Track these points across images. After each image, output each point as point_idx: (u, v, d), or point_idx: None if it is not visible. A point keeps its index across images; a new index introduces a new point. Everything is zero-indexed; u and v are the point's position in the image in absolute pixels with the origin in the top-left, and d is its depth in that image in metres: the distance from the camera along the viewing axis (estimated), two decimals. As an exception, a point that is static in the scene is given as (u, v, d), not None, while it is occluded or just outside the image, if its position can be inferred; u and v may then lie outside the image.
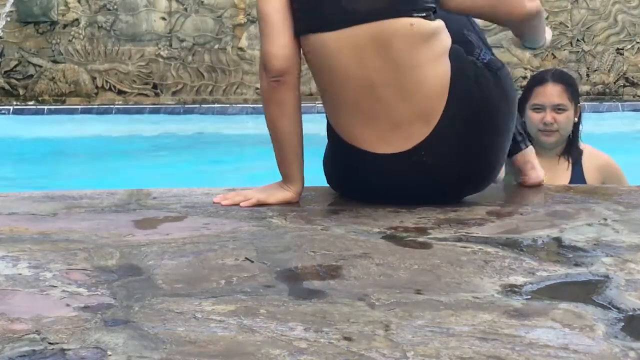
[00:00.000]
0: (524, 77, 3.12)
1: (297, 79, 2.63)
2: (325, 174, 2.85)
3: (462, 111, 2.57)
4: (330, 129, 2.74)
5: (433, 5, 2.57)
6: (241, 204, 2.63)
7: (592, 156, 3.56)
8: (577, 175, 3.52)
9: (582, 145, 3.56)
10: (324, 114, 2.78)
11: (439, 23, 2.58)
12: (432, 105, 2.56)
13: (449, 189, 2.65)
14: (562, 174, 3.53)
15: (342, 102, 2.62)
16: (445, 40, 2.60)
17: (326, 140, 2.82)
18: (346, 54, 2.55)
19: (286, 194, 2.67)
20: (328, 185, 2.86)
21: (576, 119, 3.51)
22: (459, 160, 2.60)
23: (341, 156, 2.71)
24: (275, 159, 2.69)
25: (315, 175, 2.91)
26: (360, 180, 2.66)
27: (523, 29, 2.77)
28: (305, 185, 2.72)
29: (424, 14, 2.54)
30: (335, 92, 2.63)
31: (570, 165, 3.54)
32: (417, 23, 2.52)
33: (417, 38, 2.53)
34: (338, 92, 2.62)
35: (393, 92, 2.55)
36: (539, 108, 3.45)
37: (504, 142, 2.70)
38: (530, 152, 2.92)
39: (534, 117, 3.48)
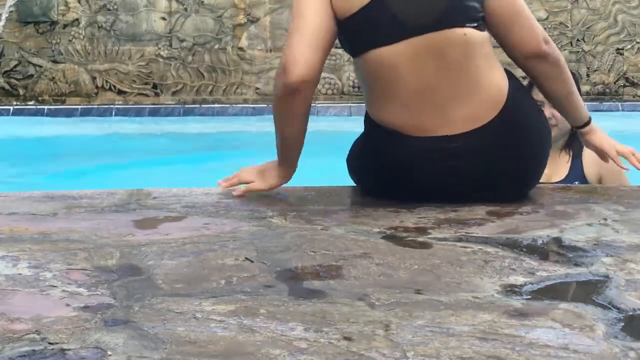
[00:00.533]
0: (524, 78, 3.18)
1: (313, 91, 2.64)
2: (354, 169, 2.84)
3: (514, 118, 2.64)
4: (369, 120, 2.74)
5: (482, 14, 2.63)
6: (234, 193, 2.72)
7: (590, 152, 3.56)
8: (577, 168, 3.55)
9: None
10: (323, 115, 2.79)
11: (487, 34, 2.66)
12: (486, 109, 2.62)
13: (480, 189, 2.65)
14: (562, 166, 3.56)
15: (392, 102, 2.64)
16: (495, 57, 2.68)
17: (326, 138, 2.82)
18: (403, 65, 2.58)
19: (281, 180, 2.74)
20: (353, 180, 2.86)
21: None
22: (498, 158, 2.64)
23: (376, 141, 2.71)
24: (275, 143, 2.73)
25: (315, 176, 2.91)
26: (398, 167, 2.65)
27: (547, 82, 2.73)
28: (304, 185, 2.72)
29: (475, 24, 2.61)
30: (387, 95, 2.65)
31: (571, 158, 3.57)
32: (470, 32, 2.60)
33: (470, 47, 2.60)
34: (390, 96, 2.64)
35: (448, 97, 2.60)
36: (539, 104, 3.47)
37: (545, 150, 2.77)
38: None
39: None
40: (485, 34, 2.64)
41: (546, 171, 3.41)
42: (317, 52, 2.57)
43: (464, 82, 2.60)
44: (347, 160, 2.86)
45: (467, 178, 2.62)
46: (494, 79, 2.64)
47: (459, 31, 2.58)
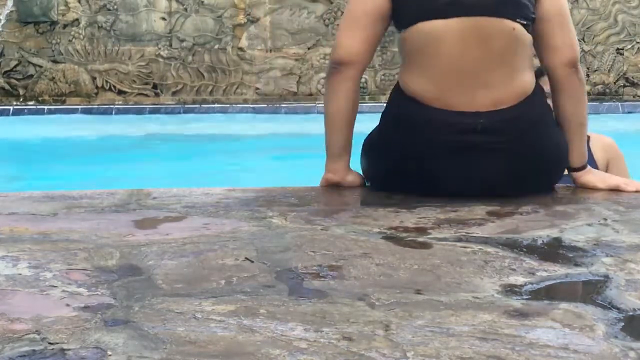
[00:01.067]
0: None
1: (355, 73, 2.81)
2: (369, 149, 2.91)
3: (535, 109, 2.79)
4: (398, 90, 2.84)
5: (533, 16, 2.76)
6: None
7: (597, 139, 3.75)
8: (588, 157, 3.62)
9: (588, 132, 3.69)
10: (323, 114, 2.83)
11: (531, 38, 2.78)
12: (511, 97, 2.75)
13: (492, 168, 2.72)
14: None
15: (426, 76, 2.76)
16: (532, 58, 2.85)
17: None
18: (448, 42, 2.71)
19: (328, 177, 2.87)
20: (363, 166, 2.94)
21: None
22: (515, 139, 2.74)
23: (400, 109, 2.82)
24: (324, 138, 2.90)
25: (315, 176, 2.91)
26: (418, 137, 2.75)
27: (568, 100, 2.85)
28: (304, 185, 2.72)
29: (525, 22, 2.74)
30: (422, 69, 2.77)
31: None
32: (518, 29, 2.74)
33: (515, 42, 2.74)
34: (426, 70, 2.76)
35: (481, 82, 2.73)
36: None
37: (558, 157, 2.87)
38: None
39: None
40: (529, 37, 2.76)
41: None
42: (359, 40, 2.78)
43: (498, 72, 2.73)
44: (364, 145, 2.93)
45: (482, 154, 2.71)
46: (525, 77, 2.78)
47: (508, 23, 2.72)
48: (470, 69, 2.72)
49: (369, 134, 2.93)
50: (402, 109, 2.81)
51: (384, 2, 2.78)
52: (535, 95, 2.80)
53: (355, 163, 2.94)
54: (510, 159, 2.73)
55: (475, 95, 2.72)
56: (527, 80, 2.78)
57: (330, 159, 2.88)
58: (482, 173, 2.72)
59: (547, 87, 3.19)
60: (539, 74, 3.81)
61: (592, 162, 3.53)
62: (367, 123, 2.96)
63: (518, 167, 2.75)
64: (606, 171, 3.71)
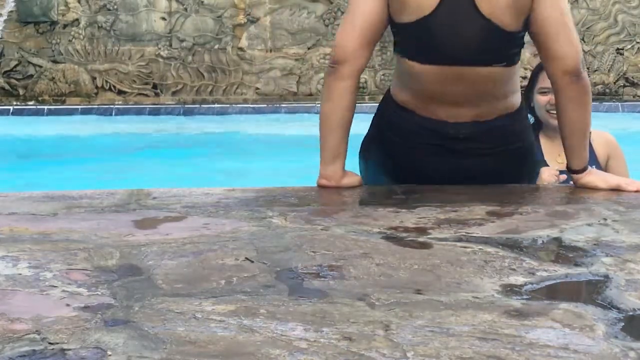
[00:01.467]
0: (524, 77, 3.33)
1: (350, 72, 2.81)
2: (367, 150, 2.99)
3: (514, 125, 2.88)
4: (389, 95, 2.95)
5: (515, 55, 2.80)
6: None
7: (598, 135, 3.83)
8: (589, 151, 3.64)
9: None
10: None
11: (517, 66, 2.84)
12: (493, 113, 2.84)
13: (470, 168, 2.85)
14: None
15: (413, 94, 2.86)
16: (518, 80, 2.91)
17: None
18: (431, 80, 2.79)
19: (322, 183, 2.86)
20: (361, 157, 3.02)
21: None
22: (490, 146, 2.86)
23: (390, 115, 2.92)
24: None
25: (315, 175, 2.91)
26: (406, 137, 2.88)
27: (571, 107, 2.83)
28: (304, 184, 2.72)
29: (504, 64, 2.78)
30: (410, 88, 2.87)
31: None
32: (499, 70, 2.79)
33: (497, 81, 2.81)
34: (413, 90, 2.86)
35: (466, 106, 2.82)
36: (545, 91, 3.70)
37: (527, 167, 3.00)
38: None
39: (541, 100, 3.81)
40: (514, 68, 2.82)
41: (559, 160, 3.56)
42: (356, 41, 2.79)
43: (484, 102, 2.83)
44: (360, 148, 3.00)
45: (464, 157, 2.83)
46: (508, 100, 2.85)
47: (488, 69, 2.77)
48: (453, 99, 2.80)
49: (363, 139, 2.99)
50: (393, 114, 2.91)
51: (382, 8, 2.78)
52: (518, 112, 2.89)
53: (354, 164, 2.95)
54: (489, 162, 2.85)
55: (460, 113, 2.82)
56: (511, 101, 2.86)
57: (323, 164, 2.86)
58: (466, 173, 2.84)
59: (546, 83, 3.22)
60: (538, 69, 3.86)
61: (593, 158, 3.55)
62: (367, 123, 2.97)
63: (494, 169, 2.86)
64: (606, 167, 3.73)
